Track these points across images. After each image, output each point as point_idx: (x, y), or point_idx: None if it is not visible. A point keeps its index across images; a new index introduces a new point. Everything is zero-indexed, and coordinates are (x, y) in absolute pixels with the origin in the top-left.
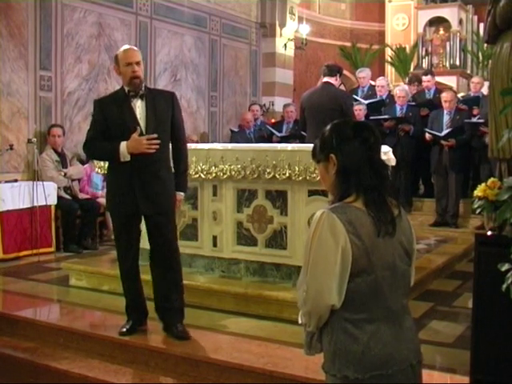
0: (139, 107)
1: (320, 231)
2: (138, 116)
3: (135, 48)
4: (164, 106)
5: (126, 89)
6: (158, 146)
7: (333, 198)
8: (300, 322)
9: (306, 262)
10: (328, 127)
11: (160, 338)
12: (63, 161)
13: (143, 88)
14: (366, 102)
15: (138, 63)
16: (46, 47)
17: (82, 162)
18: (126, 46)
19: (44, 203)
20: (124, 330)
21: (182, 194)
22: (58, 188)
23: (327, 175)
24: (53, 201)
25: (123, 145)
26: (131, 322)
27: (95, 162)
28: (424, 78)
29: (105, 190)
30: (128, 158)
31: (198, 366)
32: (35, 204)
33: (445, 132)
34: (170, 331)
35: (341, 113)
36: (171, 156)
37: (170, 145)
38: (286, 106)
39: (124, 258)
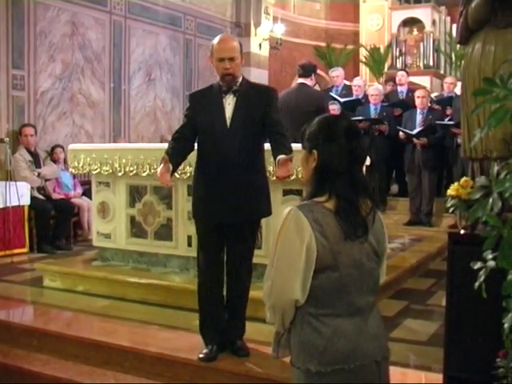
0: (230, 104)
1: (286, 228)
2: (227, 114)
3: (231, 40)
4: (256, 105)
5: (220, 83)
6: (171, 185)
7: (306, 192)
8: (267, 319)
9: (273, 257)
10: (319, 119)
11: (135, 339)
12: (36, 161)
13: (238, 84)
14: (343, 100)
15: (231, 59)
16: (18, 46)
17: (54, 162)
18: (221, 38)
19: (17, 203)
20: (202, 355)
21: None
22: (32, 188)
23: (307, 166)
24: (26, 201)
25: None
26: (209, 345)
27: (69, 162)
28: (399, 73)
29: (77, 190)
30: None
31: (173, 367)
32: (8, 204)
33: (417, 130)
34: (228, 347)
35: (317, 114)
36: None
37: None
38: None
39: (207, 269)
